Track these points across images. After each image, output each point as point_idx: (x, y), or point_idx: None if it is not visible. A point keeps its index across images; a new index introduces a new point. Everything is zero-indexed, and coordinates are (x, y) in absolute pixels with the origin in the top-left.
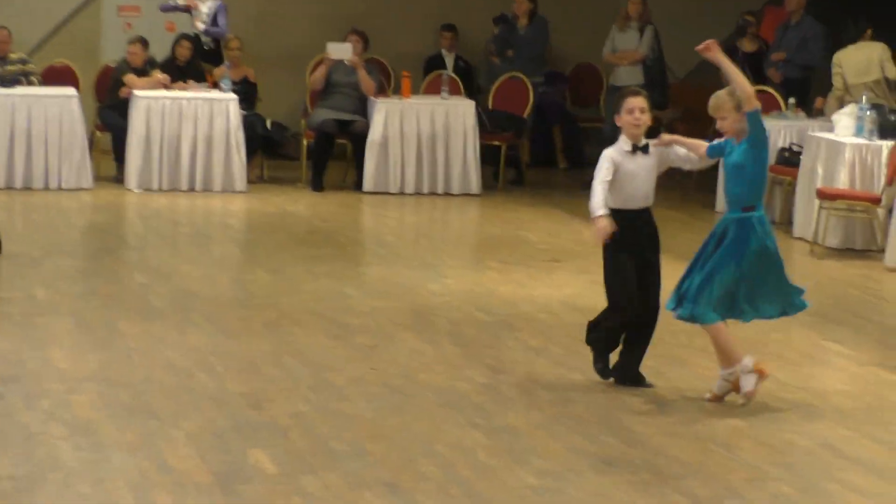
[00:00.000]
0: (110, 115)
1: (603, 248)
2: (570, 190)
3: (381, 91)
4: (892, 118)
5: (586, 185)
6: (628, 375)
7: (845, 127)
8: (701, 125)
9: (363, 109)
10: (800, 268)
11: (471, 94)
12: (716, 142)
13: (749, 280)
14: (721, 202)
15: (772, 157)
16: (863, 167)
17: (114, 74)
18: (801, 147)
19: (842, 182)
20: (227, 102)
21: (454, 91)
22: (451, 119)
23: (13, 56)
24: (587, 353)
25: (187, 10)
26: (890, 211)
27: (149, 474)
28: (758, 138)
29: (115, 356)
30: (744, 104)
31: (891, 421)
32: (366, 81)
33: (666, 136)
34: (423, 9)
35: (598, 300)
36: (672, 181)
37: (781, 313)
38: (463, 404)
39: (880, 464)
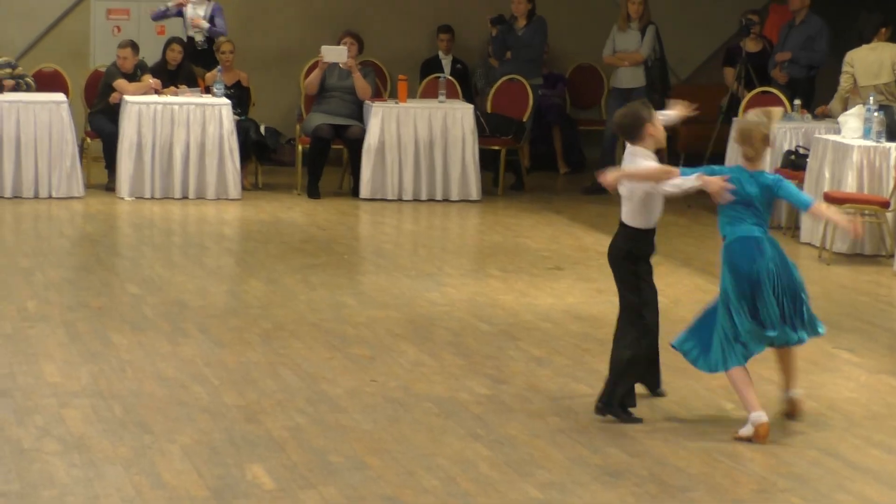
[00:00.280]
0: (101, 121)
1: (621, 265)
2: (571, 195)
3: (377, 95)
4: None
5: (587, 190)
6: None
7: (852, 129)
8: (704, 127)
9: (359, 114)
10: (808, 274)
11: (469, 97)
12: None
13: None
14: None
15: (777, 160)
16: (871, 170)
17: (104, 79)
18: (807, 150)
19: (849, 185)
20: (219, 107)
21: (452, 94)
22: (449, 123)
23: None
24: (590, 363)
25: (179, 12)
26: None
27: (143, 490)
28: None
29: (107, 369)
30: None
31: None
32: (361, 85)
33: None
34: (419, 10)
35: (600, 308)
36: None
37: None
38: (464, 416)
39: (891, 473)
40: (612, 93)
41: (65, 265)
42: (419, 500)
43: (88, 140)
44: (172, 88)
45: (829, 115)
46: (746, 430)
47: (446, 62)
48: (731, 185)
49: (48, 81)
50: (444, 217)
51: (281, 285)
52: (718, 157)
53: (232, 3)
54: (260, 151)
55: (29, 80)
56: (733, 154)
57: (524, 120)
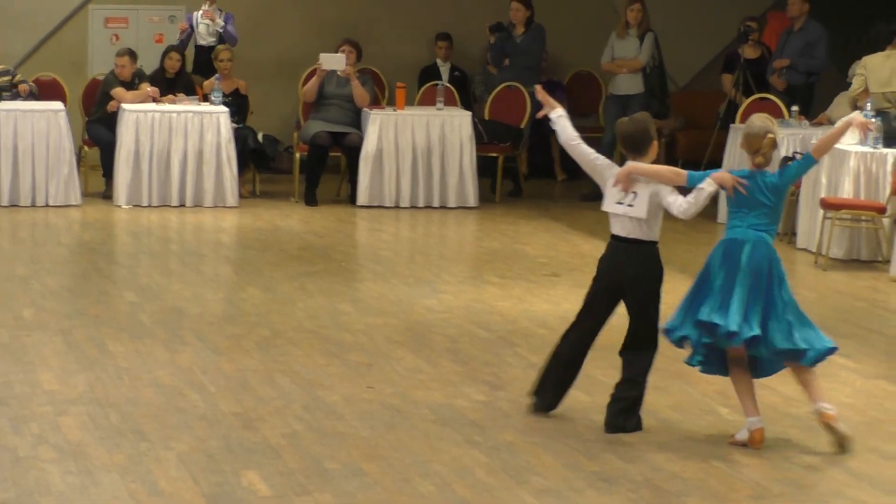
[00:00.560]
0: (98, 129)
1: (656, 283)
2: (569, 202)
3: (375, 102)
4: None
5: (585, 197)
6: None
7: (849, 135)
8: (703, 134)
9: (357, 121)
10: (804, 279)
11: (467, 104)
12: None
13: None
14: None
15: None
16: (868, 176)
17: (101, 88)
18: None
19: (846, 191)
20: (217, 115)
21: (450, 102)
22: (447, 130)
23: None
24: (586, 369)
25: (190, 23)
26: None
27: (140, 497)
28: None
29: (104, 376)
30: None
31: None
32: (359, 92)
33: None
34: (417, 18)
35: None
36: None
37: None
38: (461, 422)
39: (886, 479)
40: (611, 99)
41: (62, 273)
42: None
43: (86, 148)
44: (170, 97)
45: (829, 123)
46: (742, 435)
47: (444, 70)
48: (745, 181)
49: (46, 90)
50: (442, 224)
51: (278, 293)
52: (716, 164)
53: (233, 12)
54: (258, 159)
55: (29, 85)
56: (732, 160)
57: (522, 127)
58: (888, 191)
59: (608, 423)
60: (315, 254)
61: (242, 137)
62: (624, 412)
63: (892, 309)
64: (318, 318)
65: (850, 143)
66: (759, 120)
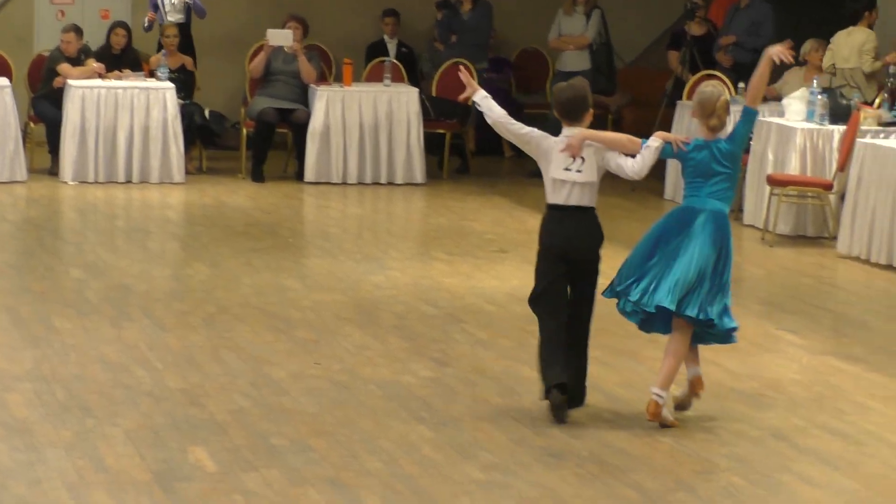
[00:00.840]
0: (44, 105)
1: (600, 248)
2: (515, 179)
3: (322, 78)
4: (844, 102)
5: (532, 174)
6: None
7: (796, 111)
8: (649, 111)
9: (304, 98)
10: (751, 256)
11: (414, 81)
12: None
13: None
14: (672, 190)
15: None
16: (814, 153)
17: (47, 64)
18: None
19: (793, 168)
20: (163, 91)
21: (397, 78)
22: (395, 107)
23: None
24: (534, 345)
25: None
26: (842, 197)
27: (86, 473)
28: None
29: (50, 353)
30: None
31: (843, 410)
32: (306, 69)
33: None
34: None
35: None
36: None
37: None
38: (407, 398)
39: (832, 454)
40: (558, 76)
41: (7, 250)
42: (362, 482)
43: (32, 124)
44: (116, 73)
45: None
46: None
47: (392, 46)
48: (687, 139)
49: None
50: (389, 201)
51: (225, 269)
52: None
53: None
54: (204, 135)
55: None
56: (684, 132)
57: (469, 104)
58: (834, 167)
59: (574, 400)
60: (262, 230)
61: (189, 114)
62: (583, 392)
63: (838, 285)
64: (265, 295)
65: (796, 119)
66: (711, 86)
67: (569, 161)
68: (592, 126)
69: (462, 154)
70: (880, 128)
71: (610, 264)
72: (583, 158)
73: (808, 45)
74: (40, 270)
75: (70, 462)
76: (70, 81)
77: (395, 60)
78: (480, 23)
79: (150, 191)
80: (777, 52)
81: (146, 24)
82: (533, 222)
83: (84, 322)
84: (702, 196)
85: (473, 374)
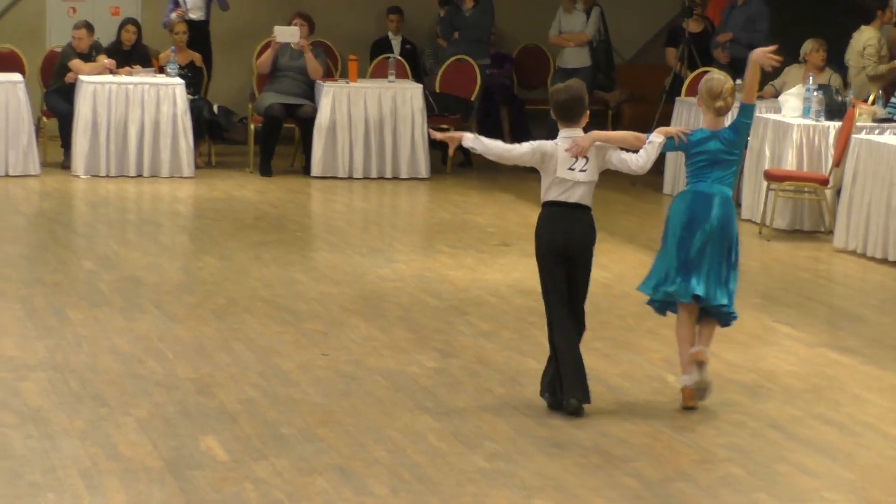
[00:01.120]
0: (56, 100)
1: (593, 246)
2: (517, 173)
3: (328, 75)
4: (839, 99)
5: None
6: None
7: (792, 108)
8: (648, 107)
9: (310, 93)
10: (748, 250)
11: (417, 77)
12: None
13: None
14: (671, 184)
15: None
16: (810, 148)
17: (59, 60)
18: None
19: (789, 163)
20: (173, 87)
21: (401, 74)
22: (399, 102)
23: None
24: (536, 336)
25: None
26: (838, 192)
27: (99, 461)
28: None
29: (63, 343)
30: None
31: (839, 401)
32: (313, 65)
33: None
34: None
35: None
36: None
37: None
38: (413, 389)
39: (829, 444)
40: (558, 73)
41: (21, 242)
42: (369, 471)
43: (44, 119)
44: (127, 68)
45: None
46: (685, 379)
47: (396, 43)
48: (688, 130)
49: (4, 62)
50: (394, 195)
51: (234, 262)
52: None
53: None
54: (213, 130)
55: None
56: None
57: (472, 99)
58: (830, 163)
59: (582, 396)
60: (270, 224)
61: (198, 109)
62: (582, 394)
63: (834, 279)
64: (273, 287)
65: (792, 115)
66: (718, 73)
67: (572, 161)
68: (591, 123)
69: (465, 149)
70: (875, 124)
71: (610, 257)
72: (586, 158)
73: (808, 45)
74: (53, 262)
75: (84, 450)
76: (81, 77)
77: (399, 57)
78: (482, 20)
79: (161, 185)
80: (761, 57)
81: (174, 20)
82: (534, 216)
83: (96, 313)
84: (709, 181)
85: (477, 364)
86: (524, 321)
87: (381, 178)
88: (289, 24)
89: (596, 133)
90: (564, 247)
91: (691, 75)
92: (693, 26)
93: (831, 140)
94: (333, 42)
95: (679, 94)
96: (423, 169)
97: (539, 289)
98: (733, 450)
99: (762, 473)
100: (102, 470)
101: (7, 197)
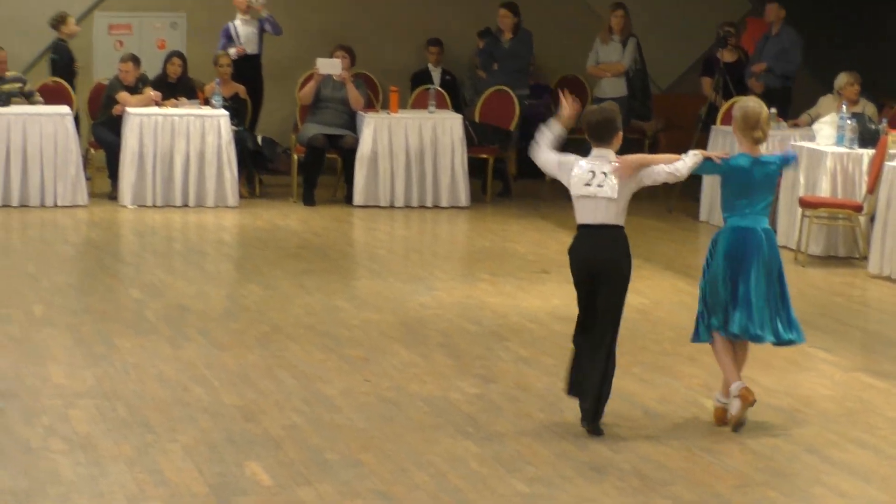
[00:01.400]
0: (104, 132)
1: (628, 268)
2: (556, 201)
3: (370, 106)
4: (872, 127)
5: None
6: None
7: (826, 136)
8: (684, 135)
9: (352, 124)
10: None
11: (457, 107)
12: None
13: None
14: (707, 212)
15: None
16: (844, 175)
17: (106, 92)
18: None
19: (824, 190)
20: (218, 119)
21: (441, 105)
22: (439, 133)
23: (9, 75)
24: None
25: (227, 35)
26: (872, 218)
27: (146, 487)
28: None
29: (111, 371)
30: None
31: (875, 425)
32: (354, 96)
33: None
34: (409, 24)
35: None
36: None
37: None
38: (454, 414)
39: (865, 468)
40: (595, 102)
41: (70, 271)
42: (411, 496)
43: (92, 150)
44: (172, 100)
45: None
46: (734, 408)
47: (436, 74)
48: (725, 154)
49: (53, 94)
50: (435, 223)
51: (278, 290)
52: None
53: (232, 20)
54: (257, 161)
55: (38, 98)
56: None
57: (511, 129)
58: (864, 190)
59: (595, 425)
60: (313, 252)
61: (242, 140)
62: (595, 420)
63: (868, 304)
64: (316, 315)
65: (826, 143)
66: (753, 101)
67: (589, 176)
68: (626, 150)
69: (504, 178)
70: None
71: (647, 283)
72: (605, 174)
73: (842, 79)
74: (101, 291)
75: (131, 476)
76: (128, 109)
77: (439, 88)
78: (521, 51)
79: (206, 214)
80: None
81: (234, 56)
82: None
83: (143, 341)
84: (753, 214)
85: (517, 390)
86: (563, 347)
87: (421, 206)
88: (331, 56)
89: (638, 156)
90: (588, 269)
91: (726, 104)
92: (728, 56)
93: (865, 167)
94: (374, 74)
95: (714, 123)
96: (463, 198)
97: (576, 314)
98: (770, 473)
99: (798, 496)
100: (149, 496)
101: (56, 227)
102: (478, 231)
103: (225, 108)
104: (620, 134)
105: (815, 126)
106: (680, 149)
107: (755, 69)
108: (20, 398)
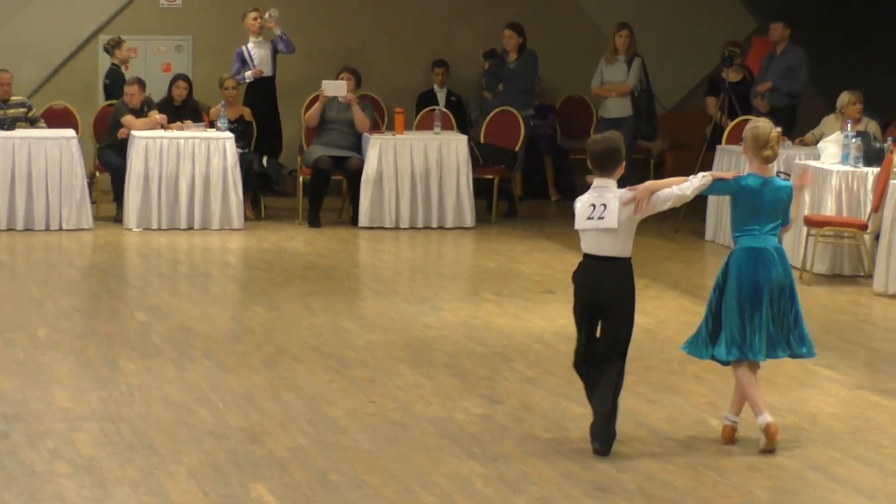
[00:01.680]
0: (109, 155)
1: (631, 300)
2: (561, 222)
3: (375, 127)
4: (877, 145)
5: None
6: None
7: (831, 155)
8: (690, 155)
9: (357, 146)
10: None
11: (463, 128)
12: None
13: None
14: (713, 231)
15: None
16: (849, 194)
17: (112, 115)
18: (788, 175)
19: (829, 209)
20: (223, 141)
21: (446, 126)
22: (444, 154)
23: (14, 99)
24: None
25: (242, 60)
26: (877, 237)
27: None
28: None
29: (116, 394)
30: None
31: (880, 443)
32: (360, 118)
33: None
34: (414, 46)
35: None
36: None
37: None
38: (459, 435)
39: (870, 485)
40: (601, 123)
41: (75, 294)
42: None
43: (97, 174)
44: (178, 123)
45: (814, 142)
46: (762, 442)
47: (441, 95)
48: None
49: (58, 118)
50: (440, 244)
51: (283, 311)
52: None
53: (236, 43)
54: (262, 183)
55: (42, 124)
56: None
57: (516, 150)
58: (869, 208)
59: (604, 447)
60: (318, 274)
61: (247, 162)
62: (612, 435)
63: (873, 322)
64: (322, 336)
65: (831, 162)
66: (763, 121)
67: (590, 210)
68: (635, 171)
69: (510, 198)
70: None
71: (654, 303)
72: (604, 206)
73: (844, 98)
74: (106, 314)
75: (136, 498)
76: (134, 132)
77: (444, 109)
78: (526, 71)
79: (211, 236)
80: (802, 182)
81: (250, 79)
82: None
83: (148, 363)
84: (763, 234)
85: (522, 410)
86: (568, 367)
87: (427, 227)
88: (336, 78)
89: (651, 182)
90: (591, 298)
91: (731, 123)
92: (732, 76)
93: (870, 186)
94: (380, 95)
95: (720, 143)
96: (469, 218)
97: None
98: (776, 491)
99: None
100: None
101: (61, 250)
102: (483, 252)
103: (230, 130)
104: (623, 164)
105: (820, 145)
106: (686, 168)
107: (760, 88)
108: (25, 421)
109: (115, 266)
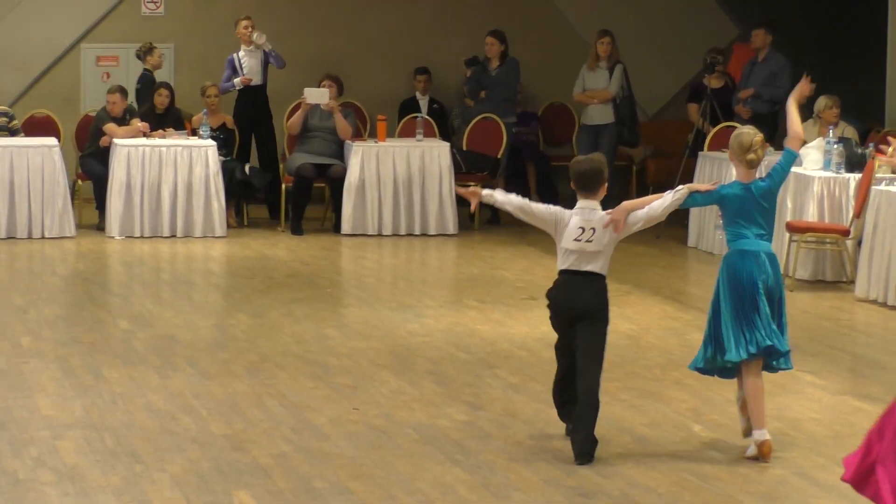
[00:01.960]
0: (91, 163)
1: (607, 313)
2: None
3: (358, 134)
4: (859, 151)
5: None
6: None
7: (813, 160)
8: (672, 162)
9: (340, 153)
10: None
11: (445, 135)
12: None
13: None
14: (695, 237)
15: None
16: (831, 200)
17: (94, 123)
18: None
19: (811, 215)
20: (205, 149)
21: (429, 133)
22: (427, 161)
23: None
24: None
25: (233, 68)
26: (859, 242)
27: None
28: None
29: (99, 402)
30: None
31: None
32: (342, 125)
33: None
34: (396, 53)
35: None
36: None
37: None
38: (443, 442)
39: (853, 491)
40: (583, 129)
41: (58, 302)
42: None
43: (80, 182)
44: (160, 131)
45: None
46: (751, 451)
47: (423, 102)
48: (716, 186)
49: (40, 126)
50: (423, 251)
51: (266, 319)
52: None
53: (218, 50)
54: (245, 190)
55: (21, 136)
56: (706, 181)
57: (499, 157)
58: (851, 214)
59: (582, 455)
60: (301, 281)
61: (230, 170)
62: (592, 440)
63: (856, 328)
64: (305, 343)
65: (813, 168)
66: (747, 128)
67: (579, 231)
68: (615, 176)
69: (492, 205)
70: (894, 175)
71: (636, 309)
72: (594, 229)
73: (821, 102)
74: (89, 322)
75: None
76: (116, 140)
77: (426, 116)
78: (508, 79)
79: (194, 244)
80: (802, 92)
81: (239, 86)
82: None
83: (131, 371)
84: (751, 238)
85: (506, 417)
86: (552, 374)
87: (409, 234)
88: (318, 85)
89: (627, 203)
90: (568, 314)
91: (713, 130)
92: (714, 83)
93: (852, 191)
94: (362, 102)
95: (702, 149)
96: (452, 225)
97: None
98: (759, 497)
99: None
100: None
101: (43, 258)
102: (466, 258)
103: (213, 138)
104: (606, 185)
105: (802, 151)
106: (669, 175)
107: (742, 95)
108: (8, 430)
109: (98, 274)
